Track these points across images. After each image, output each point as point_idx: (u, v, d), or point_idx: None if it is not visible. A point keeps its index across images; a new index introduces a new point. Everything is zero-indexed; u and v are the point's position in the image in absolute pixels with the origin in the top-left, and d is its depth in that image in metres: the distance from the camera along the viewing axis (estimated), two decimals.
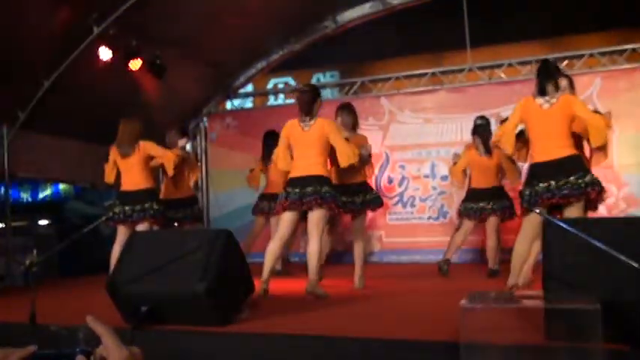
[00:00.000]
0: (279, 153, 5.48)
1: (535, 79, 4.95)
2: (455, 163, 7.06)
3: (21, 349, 0.94)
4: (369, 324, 3.91)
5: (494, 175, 6.73)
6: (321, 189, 5.15)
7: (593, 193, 4.59)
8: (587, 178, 4.57)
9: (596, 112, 5.16)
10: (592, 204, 4.82)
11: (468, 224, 6.81)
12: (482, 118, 6.87)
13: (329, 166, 5.52)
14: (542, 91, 4.80)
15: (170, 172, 6.49)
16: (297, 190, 5.17)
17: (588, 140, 4.82)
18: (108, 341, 0.93)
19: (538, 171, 4.73)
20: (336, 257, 8.09)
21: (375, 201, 5.98)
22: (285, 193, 5.27)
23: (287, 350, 3.34)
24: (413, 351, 3.07)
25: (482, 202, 6.64)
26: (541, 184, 4.62)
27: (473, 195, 6.78)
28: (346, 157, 5.32)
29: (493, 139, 5.22)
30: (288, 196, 5.21)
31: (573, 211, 4.61)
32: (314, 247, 5.15)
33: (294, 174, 5.30)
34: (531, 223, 4.77)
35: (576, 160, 4.68)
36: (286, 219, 5.29)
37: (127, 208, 6.03)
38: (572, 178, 4.55)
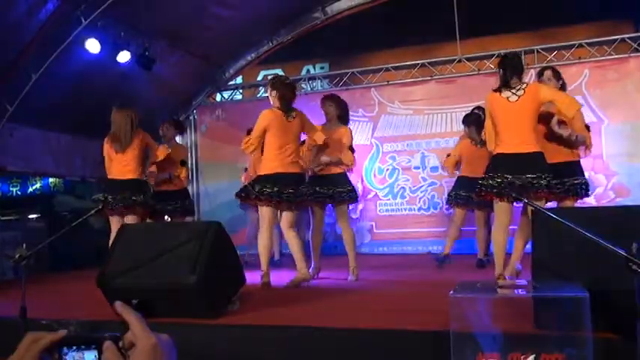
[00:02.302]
0: (253, 140, 5.36)
1: (499, 72, 4.94)
2: (448, 155, 7.15)
3: (51, 332, 0.95)
4: (359, 314, 3.91)
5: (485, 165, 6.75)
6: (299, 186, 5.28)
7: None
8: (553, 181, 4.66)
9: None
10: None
11: (458, 214, 6.85)
12: (478, 108, 6.88)
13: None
14: (506, 84, 4.80)
15: (153, 159, 6.39)
16: (276, 189, 5.19)
17: (563, 121, 4.84)
18: (136, 328, 0.94)
19: (504, 162, 4.71)
20: (329, 248, 8.09)
21: (346, 195, 5.87)
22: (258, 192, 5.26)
23: (277, 341, 3.35)
24: (403, 341, 3.08)
25: (471, 192, 6.67)
26: (510, 175, 4.62)
27: (462, 184, 6.81)
28: (320, 136, 5.51)
29: (482, 136, 5.22)
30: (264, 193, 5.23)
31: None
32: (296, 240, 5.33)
33: (278, 170, 5.25)
34: (503, 210, 4.81)
35: (540, 158, 4.69)
36: (267, 208, 5.31)
37: (116, 196, 5.96)
38: (543, 176, 4.58)
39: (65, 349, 0.95)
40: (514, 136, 4.71)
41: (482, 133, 5.15)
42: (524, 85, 4.77)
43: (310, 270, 5.86)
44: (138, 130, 6.06)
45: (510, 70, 4.82)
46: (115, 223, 5.99)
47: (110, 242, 5.87)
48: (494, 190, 4.70)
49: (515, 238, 4.99)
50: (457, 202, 6.79)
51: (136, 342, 0.93)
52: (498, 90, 4.83)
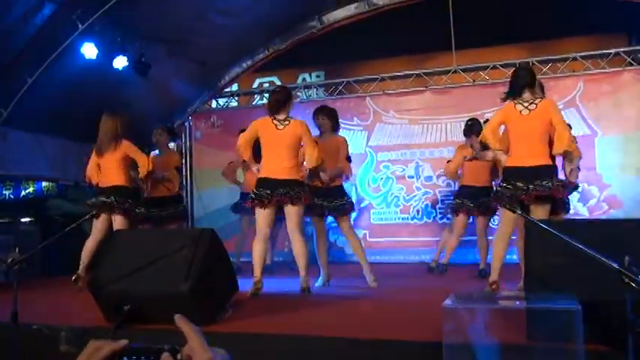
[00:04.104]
0: (243, 141, 5.43)
1: (512, 83, 5.02)
2: (449, 161, 7.24)
3: (113, 341, 0.96)
4: (351, 324, 3.91)
5: (487, 174, 6.78)
6: (294, 190, 5.26)
7: (559, 192, 4.79)
8: (555, 181, 4.78)
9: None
10: (560, 204, 5.09)
11: (460, 221, 6.84)
12: (473, 119, 6.97)
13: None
14: (516, 96, 4.91)
15: (142, 175, 6.37)
16: (268, 192, 5.23)
17: (551, 144, 4.91)
18: (193, 342, 0.95)
19: (515, 174, 4.83)
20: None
21: (341, 208, 5.95)
22: (254, 194, 5.31)
23: (270, 349, 3.34)
24: (395, 351, 3.08)
25: (471, 200, 6.72)
26: (519, 184, 4.74)
27: (463, 193, 6.88)
28: (311, 159, 5.44)
29: (480, 137, 5.28)
30: (258, 197, 5.27)
31: (539, 211, 4.74)
32: (300, 246, 5.35)
33: (267, 175, 5.32)
34: (507, 219, 4.95)
35: (552, 170, 4.86)
36: (263, 216, 5.33)
37: (101, 199, 5.98)
38: (544, 182, 4.70)
39: (125, 359, 0.97)
40: (524, 149, 4.85)
41: (482, 132, 5.19)
42: (538, 100, 4.86)
43: (320, 280, 5.90)
44: (122, 139, 6.07)
45: (520, 82, 4.93)
46: (97, 226, 5.99)
47: (86, 243, 5.93)
48: (505, 198, 4.80)
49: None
50: (461, 209, 6.79)
51: (193, 356, 0.94)
52: (513, 100, 4.94)
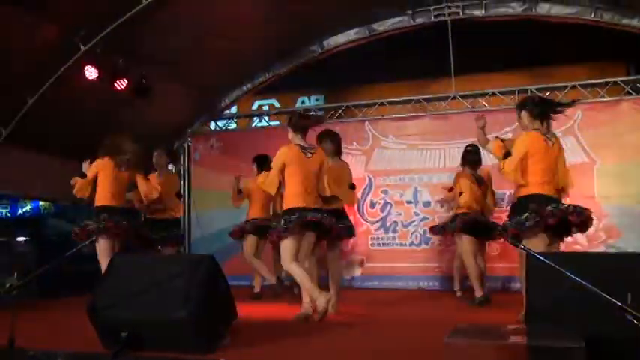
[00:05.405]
0: (273, 176, 5.34)
1: (531, 111, 5.04)
2: (450, 189, 7.25)
3: None
4: (349, 354, 3.89)
5: (483, 201, 6.82)
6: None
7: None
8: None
9: None
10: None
11: (467, 241, 6.76)
12: (472, 146, 6.93)
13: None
14: (541, 123, 5.00)
15: (145, 201, 6.44)
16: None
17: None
18: None
19: (540, 202, 4.82)
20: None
21: (346, 231, 5.97)
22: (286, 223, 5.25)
23: None
24: None
25: (469, 225, 6.71)
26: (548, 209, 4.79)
27: (460, 219, 6.86)
28: (324, 189, 5.46)
29: (501, 171, 5.14)
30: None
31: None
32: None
33: (302, 204, 5.27)
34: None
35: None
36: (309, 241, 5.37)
37: (106, 221, 5.99)
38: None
39: None
40: (549, 179, 4.92)
41: (501, 163, 5.11)
42: (552, 136, 5.02)
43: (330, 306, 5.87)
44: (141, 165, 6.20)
45: (543, 112, 5.02)
46: (103, 247, 5.99)
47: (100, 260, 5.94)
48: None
49: None
50: (462, 228, 6.74)
51: None
52: (535, 129, 4.98)
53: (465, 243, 6.72)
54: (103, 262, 5.91)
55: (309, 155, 5.35)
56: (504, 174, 5.03)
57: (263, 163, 6.82)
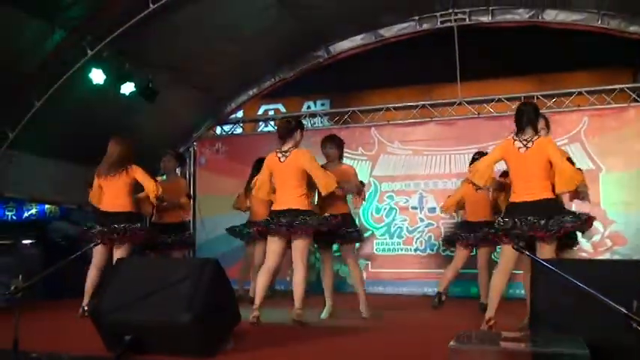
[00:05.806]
0: (260, 183, 5.62)
1: (516, 118, 5.01)
2: (449, 197, 7.21)
3: None
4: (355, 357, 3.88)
5: (489, 209, 6.75)
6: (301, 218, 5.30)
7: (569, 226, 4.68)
8: (566, 218, 4.69)
9: (569, 160, 5.13)
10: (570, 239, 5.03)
11: (461, 254, 6.79)
12: (479, 153, 6.91)
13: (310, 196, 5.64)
14: (520, 132, 4.91)
15: (152, 201, 6.33)
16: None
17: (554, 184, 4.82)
18: None
19: (516, 210, 4.80)
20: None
21: (348, 235, 5.95)
22: (265, 222, 5.45)
23: None
24: None
25: (471, 233, 6.69)
26: (519, 221, 4.70)
27: (463, 227, 6.88)
28: (325, 185, 5.42)
29: (467, 175, 5.27)
30: (267, 224, 5.39)
31: (546, 249, 4.67)
32: (300, 277, 5.31)
33: (275, 207, 5.47)
34: (507, 255, 4.86)
35: (552, 203, 4.77)
36: (272, 250, 5.39)
37: (106, 229, 5.96)
38: (551, 220, 4.63)
39: None
40: (523, 186, 4.83)
41: (469, 170, 5.19)
42: (536, 138, 4.85)
43: (325, 311, 5.95)
44: (132, 164, 6.10)
45: (526, 120, 4.92)
46: (99, 252, 5.97)
47: (90, 272, 5.93)
48: (504, 230, 4.77)
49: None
50: (460, 242, 6.76)
51: None
52: (514, 137, 4.93)
53: (481, 253, 6.79)
54: (93, 268, 6.02)
55: (283, 159, 5.45)
56: (474, 170, 5.21)
57: (257, 168, 6.86)
